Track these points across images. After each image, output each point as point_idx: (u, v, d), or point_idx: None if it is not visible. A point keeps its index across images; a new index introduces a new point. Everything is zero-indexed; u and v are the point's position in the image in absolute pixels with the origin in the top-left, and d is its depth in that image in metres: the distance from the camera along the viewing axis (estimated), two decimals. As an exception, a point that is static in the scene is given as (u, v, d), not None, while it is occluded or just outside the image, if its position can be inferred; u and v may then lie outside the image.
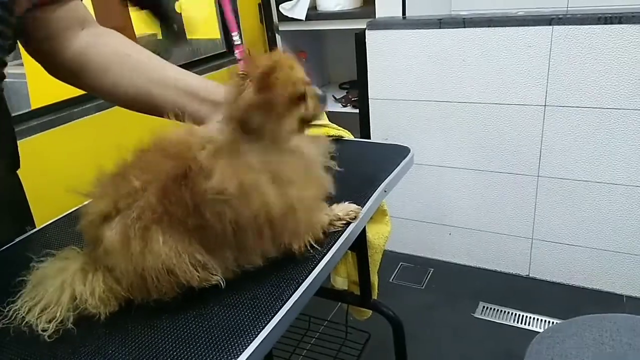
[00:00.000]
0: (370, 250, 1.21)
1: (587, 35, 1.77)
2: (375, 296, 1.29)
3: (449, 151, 2.17)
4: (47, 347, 0.62)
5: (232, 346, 0.59)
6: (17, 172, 0.95)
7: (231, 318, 0.64)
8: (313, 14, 2.45)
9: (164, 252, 0.63)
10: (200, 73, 1.99)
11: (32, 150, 1.59)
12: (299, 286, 0.68)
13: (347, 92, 2.68)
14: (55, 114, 1.70)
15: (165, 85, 0.86)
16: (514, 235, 2.19)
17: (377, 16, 2.19)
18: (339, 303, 1.87)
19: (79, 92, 1.66)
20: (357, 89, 2.32)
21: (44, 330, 0.62)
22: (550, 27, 1.82)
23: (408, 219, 2.39)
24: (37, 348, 0.62)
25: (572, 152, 1.94)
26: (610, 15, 1.72)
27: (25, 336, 0.63)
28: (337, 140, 1.13)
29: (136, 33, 1.99)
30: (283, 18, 2.48)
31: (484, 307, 2.08)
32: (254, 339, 0.60)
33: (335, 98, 2.62)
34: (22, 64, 1.61)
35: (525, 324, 1.97)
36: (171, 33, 0.76)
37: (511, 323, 1.98)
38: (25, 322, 0.63)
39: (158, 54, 0.90)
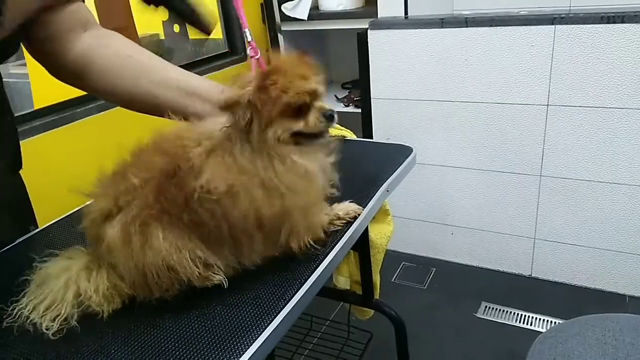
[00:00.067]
0: (373, 250, 1.21)
1: (590, 34, 1.77)
2: (377, 296, 1.29)
3: (452, 151, 2.17)
4: (50, 346, 0.62)
5: (234, 346, 0.59)
6: (20, 172, 0.95)
7: (234, 317, 0.64)
8: (315, 13, 2.44)
9: (164, 248, 0.63)
10: (202, 73, 1.99)
11: (35, 150, 1.59)
12: (301, 286, 0.68)
13: (349, 92, 2.68)
14: (58, 114, 1.70)
15: (166, 85, 0.86)
16: (516, 235, 2.19)
17: (379, 16, 2.19)
18: (341, 303, 1.87)
19: (82, 92, 1.67)
20: (359, 88, 2.32)
21: (47, 329, 0.62)
22: (553, 26, 1.81)
23: (410, 218, 2.39)
24: (41, 347, 0.62)
25: (574, 152, 1.94)
26: (613, 14, 1.72)
27: (29, 335, 0.63)
28: (340, 140, 1.13)
29: (138, 33, 1.99)
30: (285, 18, 2.48)
31: (486, 307, 2.08)
32: (256, 339, 0.60)
33: (337, 98, 2.62)
34: (25, 64, 1.61)
35: (527, 324, 1.96)
36: (195, 22, 0.76)
37: (513, 323, 1.98)
38: (29, 320, 0.64)
39: (160, 55, 0.90)
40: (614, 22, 1.72)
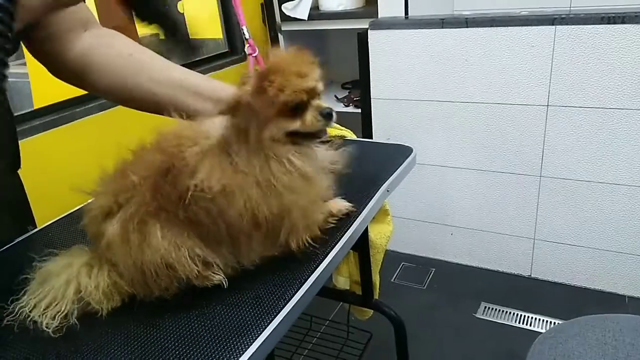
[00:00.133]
0: (372, 250, 1.21)
1: (590, 35, 1.77)
2: (376, 296, 1.29)
3: (451, 151, 2.17)
4: (50, 345, 0.62)
5: (234, 345, 0.59)
6: (18, 171, 0.95)
7: (234, 317, 0.64)
8: (315, 13, 2.44)
9: (162, 246, 0.63)
10: (202, 73, 1.99)
11: (35, 150, 1.59)
12: (301, 286, 0.68)
13: (349, 92, 2.68)
14: (58, 113, 1.70)
15: (167, 84, 0.86)
16: (516, 235, 2.19)
17: (379, 16, 2.19)
18: (341, 303, 1.87)
19: (82, 91, 1.66)
20: (359, 88, 2.32)
21: (47, 327, 0.63)
22: (553, 27, 1.81)
23: (410, 218, 2.39)
24: (41, 346, 0.62)
25: (574, 152, 1.94)
26: (613, 15, 1.72)
27: (29, 334, 0.63)
28: (340, 140, 1.13)
29: (139, 33, 1.99)
30: (286, 18, 2.48)
31: (485, 307, 2.08)
32: (256, 339, 0.60)
33: (337, 98, 2.62)
34: (24, 64, 1.61)
35: (527, 325, 1.96)
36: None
37: (513, 323, 1.98)
38: (30, 318, 0.64)
39: (161, 54, 0.90)
40: (615, 23, 1.72)
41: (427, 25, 2.02)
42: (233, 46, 2.49)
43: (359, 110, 2.34)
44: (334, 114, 0.69)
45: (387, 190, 0.94)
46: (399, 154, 1.06)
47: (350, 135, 1.18)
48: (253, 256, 0.70)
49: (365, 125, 2.29)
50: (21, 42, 0.85)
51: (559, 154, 1.97)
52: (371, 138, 2.29)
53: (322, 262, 0.72)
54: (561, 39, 1.81)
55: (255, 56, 1.90)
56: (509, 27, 1.88)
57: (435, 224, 2.35)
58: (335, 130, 1.14)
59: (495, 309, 2.06)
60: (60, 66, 0.87)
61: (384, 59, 2.15)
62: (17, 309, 0.64)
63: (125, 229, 0.64)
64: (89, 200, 0.70)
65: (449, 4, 2.14)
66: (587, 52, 1.79)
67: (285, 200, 0.66)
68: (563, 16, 1.80)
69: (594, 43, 1.77)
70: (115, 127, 1.71)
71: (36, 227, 0.95)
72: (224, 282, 0.67)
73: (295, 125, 0.67)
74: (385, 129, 2.26)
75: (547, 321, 1.97)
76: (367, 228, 1.10)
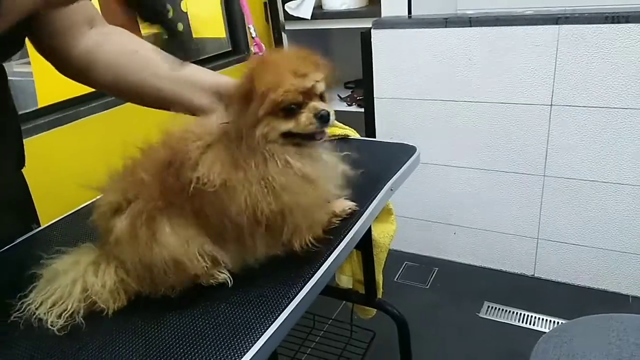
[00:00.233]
0: (376, 249, 1.21)
1: (594, 34, 1.76)
2: (380, 295, 1.29)
3: (455, 150, 2.16)
4: (55, 343, 0.62)
5: (238, 344, 0.59)
6: (23, 170, 0.95)
7: (238, 316, 0.64)
8: (319, 13, 2.44)
9: (171, 241, 0.64)
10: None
11: (39, 149, 1.59)
12: (305, 284, 0.68)
13: (352, 91, 2.67)
14: (62, 112, 1.70)
15: (173, 80, 0.86)
16: (519, 235, 2.19)
17: (382, 15, 2.19)
18: (344, 302, 1.87)
19: (86, 90, 1.67)
20: (362, 87, 2.32)
21: (53, 325, 0.63)
22: (557, 26, 1.81)
23: (413, 218, 2.39)
24: (45, 344, 0.62)
25: (578, 152, 1.94)
26: (617, 14, 1.72)
27: (34, 332, 0.63)
28: (343, 139, 1.13)
29: (142, 31, 1.99)
30: (289, 17, 2.48)
31: (488, 306, 2.07)
32: (260, 337, 0.60)
33: (340, 97, 2.62)
34: (29, 63, 1.62)
35: (530, 324, 1.96)
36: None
37: (516, 323, 1.98)
38: (36, 316, 0.64)
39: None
40: (619, 22, 1.72)
41: (431, 25, 2.02)
42: (236, 45, 2.49)
43: (362, 110, 2.34)
44: (331, 116, 0.67)
45: (391, 189, 0.94)
46: (402, 153, 1.06)
47: (353, 134, 1.18)
48: (258, 254, 0.70)
49: (368, 124, 2.30)
50: (26, 41, 0.85)
51: (562, 153, 1.96)
52: (374, 137, 2.29)
53: (325, 261, 0.72)
54: (565, 39, 1.81)
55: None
56: (513, 27, 1.88)
57: (438, 223, 2.35)
58: (338, 129, 1.14)
59: (499, 309, 2.05)
60: (65, 63, 0.87)
61: (387, 58, 2.14)
62: (24, 306, 0.65)
63: (133, 225, 0.64)
64: (96, 197, 0.70)
65: (452, 3, 2.13)
66: (591, 52, 1.79)
67: (284, 200, 0.66)
68: (567, 15, 1.79)
69: (598, 42, 1.77)
70: (119, 126, 1.72)
71: (40, 226, 0.96)
72: (229, 281, 0.67)
73: (289, 125, 0.66)
74: (388, 128, 2.26)
75: (550, 321, 1.97)
76: (370, 227, 1.10)
